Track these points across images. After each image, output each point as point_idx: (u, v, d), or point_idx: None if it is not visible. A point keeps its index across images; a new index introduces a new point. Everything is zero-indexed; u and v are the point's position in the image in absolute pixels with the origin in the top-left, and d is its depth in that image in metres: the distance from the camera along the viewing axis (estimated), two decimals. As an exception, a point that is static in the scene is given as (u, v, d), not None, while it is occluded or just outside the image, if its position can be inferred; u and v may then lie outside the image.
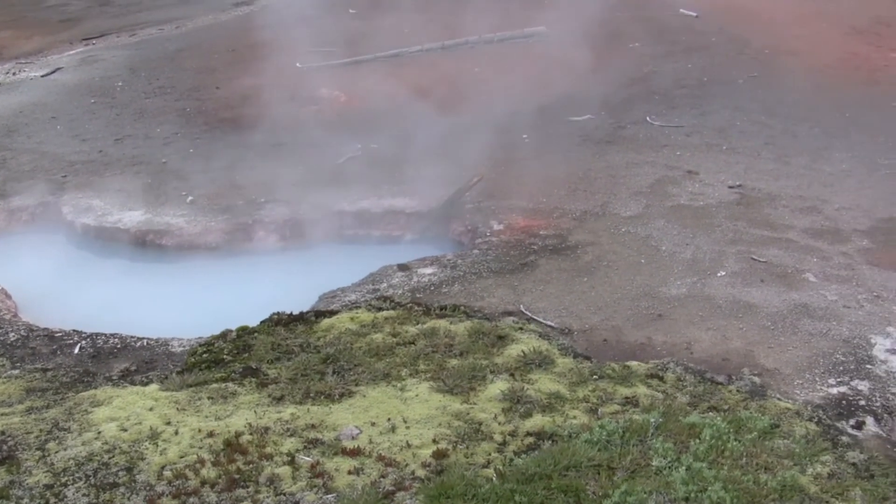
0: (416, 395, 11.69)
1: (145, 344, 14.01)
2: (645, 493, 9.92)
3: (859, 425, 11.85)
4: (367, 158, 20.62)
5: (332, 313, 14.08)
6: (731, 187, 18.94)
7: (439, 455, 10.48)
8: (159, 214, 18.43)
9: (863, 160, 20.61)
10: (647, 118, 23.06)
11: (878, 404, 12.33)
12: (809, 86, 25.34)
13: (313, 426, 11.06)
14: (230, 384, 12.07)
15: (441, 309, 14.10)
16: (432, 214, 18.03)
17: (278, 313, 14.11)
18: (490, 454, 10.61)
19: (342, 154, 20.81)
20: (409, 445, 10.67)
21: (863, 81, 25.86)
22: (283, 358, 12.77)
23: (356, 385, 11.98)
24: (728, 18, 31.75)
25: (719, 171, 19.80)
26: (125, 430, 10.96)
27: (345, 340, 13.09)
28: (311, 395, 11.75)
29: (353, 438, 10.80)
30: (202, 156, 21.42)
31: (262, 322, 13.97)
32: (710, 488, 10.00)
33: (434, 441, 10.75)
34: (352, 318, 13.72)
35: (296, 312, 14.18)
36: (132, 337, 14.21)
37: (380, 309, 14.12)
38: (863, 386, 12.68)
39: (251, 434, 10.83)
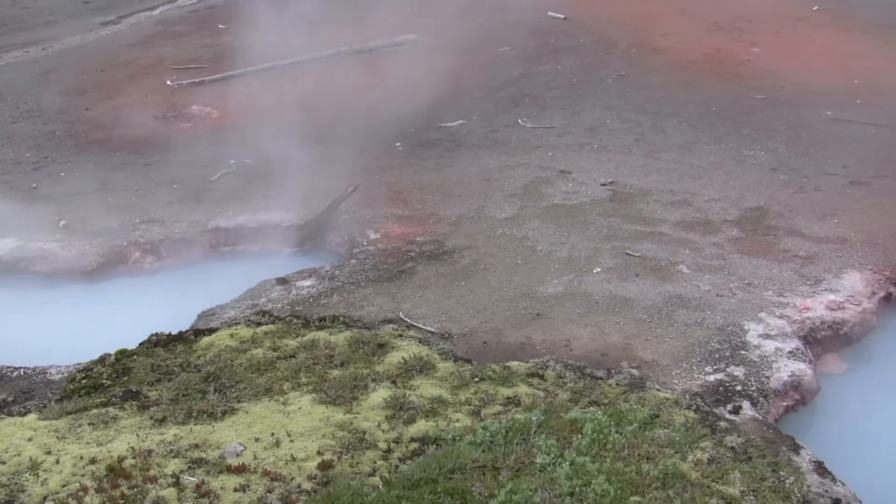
0: (299, 408, 11.70)
1: (22, 373, 13.72)
2: (530, 490, 10.07)
3: (736, 410, 12.15)
4: (241, 173, 20.52)
5: (211, 331, 14.00)
6: (603, 185, 19.26)
7: (325, 466, 10.51)
8: (32, 241, 18.05)
9: (729, 152, 21.14)
10: (519, 121, 23.33)
11: (753, 388, 12.67)
12: (676, 82, 25.88)
13: (197, 446, 11.00)
14: (111, 409, 11.93)
15: (320, 320, 14.12)
16: (309, 226, 18.01)
17: (157, 334, 13.97)
18: (375, 462, 10.68)
19: (216, 170, 20.68)
20: (294, 459, 10.69)
21: (727, 76, 26.50)
22: (164, 379, 12.66)
23: (238, 402, 11.95)
24: (596, 20, 32.25)
25: (591, 170, 20.12)
26: (3, 463, 10.77)
27: (225, 357, 13.03)
28: (194, 414, 11.67)
29: (237, 455, 10.77)
30: (74, 179, 21.05)
31: (140, 344, 13.81)
32: (593, 481, 10.19)
33: (319, 453, 10.78)
34: (231, 335, 13.66)
35: (175, 332, 14.06)
36: (8, 367, 13.91)
37: (259, 324, 14.09)
38: (738, 372, 13.01)
39: (134, 458, 10.72)
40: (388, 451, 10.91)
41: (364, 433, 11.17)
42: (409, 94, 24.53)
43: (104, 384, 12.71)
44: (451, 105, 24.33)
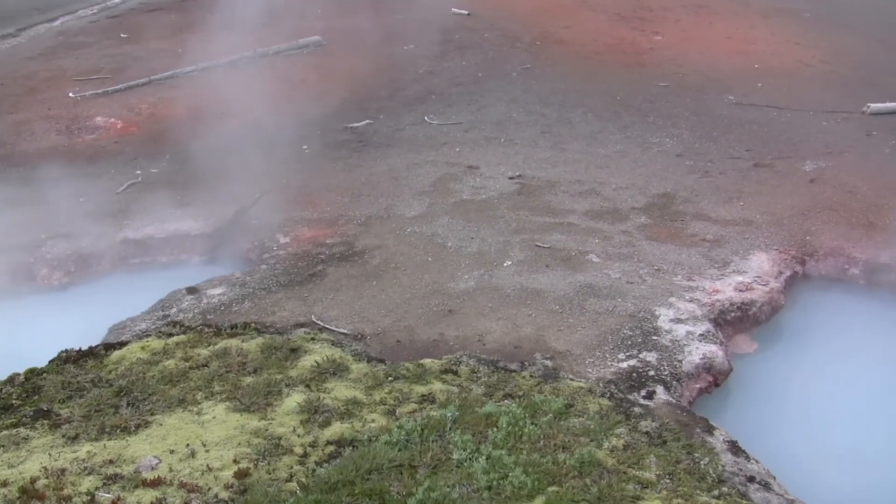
0: (214, 418, 11.62)
1: (-70, 398, 13.49)
2: (448, 486, 10.12)
3: (650, 395, 12.30)
4: (148, 184, 20.27)
5: (122, 344, 13.83)
6: (511, 178, 19.36)
7: (241, 475, 10.46)
8: (-66, 262, 17.72)
9: (635, 140, 21.38)
10: (426, 118, 23.37)
11: (666, 373, 12.85)
12: (580, 73, 26.10)
13: (111, 461, 10.87)
14: (21, 429, 11.73)
15: (232, 328, 14.03)
16: (218, 234, 17.87)
17: (67, 351, 13.76)
18: (292, 467, 10.66)
19: (122, 182, 20.41)
20: (210, 469, 10.61)
21: (630, 65, 26.80)
22: (75, 396, 12.48)
23: (152, 414, 11.83)
24: (499, 15, 32.43)
25: (499, 164, 20.21)
26: (-87, 490, 10.59)
27: (137, 371, 12.89)
28: (107, 430, 11.54)
29: (152, 469, 10.68)
30: (-24, 197, 20.67)
31: (50, 361, 13.58)
32: (510, 474, 10.26)
33: (235, 461, 10.73)
34: (142, 348, 13.51)
35: (85, 348, 13.86)
36: (-86, 393, 13.66)
37: (170, 335, 13.95)
38: (651, 357, 13.18)
39: (47, 478, 10.56)
40: (305, 455, 10.89)
41: (280, 439, 11.14)
42: (315, 97, 24.48)
43: (14, 404, 12.48)
44: (358, 105, 24.32)
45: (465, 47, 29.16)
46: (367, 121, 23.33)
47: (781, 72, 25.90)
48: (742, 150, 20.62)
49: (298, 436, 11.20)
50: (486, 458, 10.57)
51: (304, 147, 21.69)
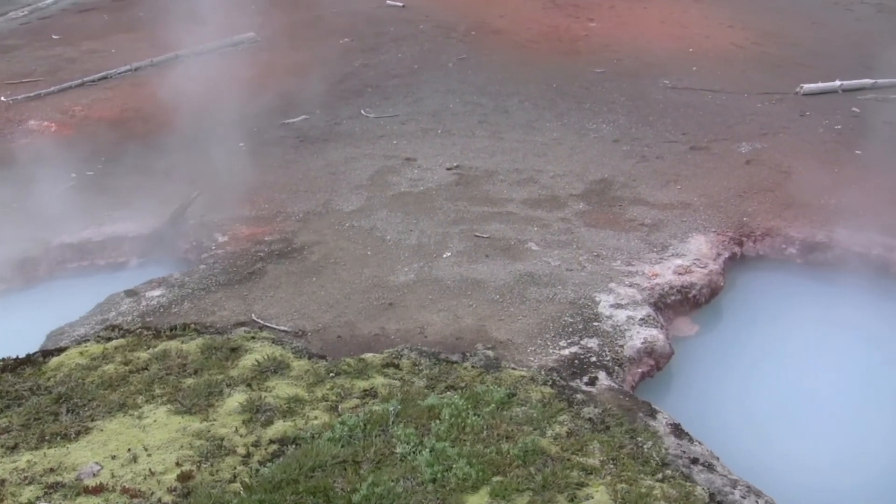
0: (155, 421, 11.52)
1: None
2: (392, 481, 10.12)
3: (592, 381, 12.36)
4: (84, 187, 20.01)
5: (60, 350, 13.64)
6: (449, 169, 19.36)
7: (184, 478, 10.38)
8: None
9: (572, 127, 21.47)
10: (363, 111, 23.30)
11: (608, 358, 12.92)
12: (516, 62, 26.17)
13: (52, 470, 10.73)
14: (-41, 441, 11.60)
15: (171, 330, 13.89)
16: (156, 235, 17.70)
17: (3, 359, 13.56)
18: (235, 468, 10.59)
19: (57, 185, 20.14)
20: (152, 473, 10.52)
21: (566, 52, 26.91)
22: (13, 405, 12.29)
23: (92, 420, 11.70)
24: (434, 5, 32.44)
25: (437, 155, 20.21)
26: None
27: (76, 377, 12.73)
28: (47, 438, 11.39)
29: (94, 475, 10.57)
30: None
31: (-13, 371, 13.44)
32: (454, 466, 10.28)
33: (178, 464, 10.64)
34: (81, 353, 13.35)
35: (22, 356, 13.67)
36: None
37: (109, 339, 13.78)
38: (592, 343, 13.24)
39: (-14, 488, 10.46)
40: (248, 455, 10.83)
41: (222, 440, 11.06)
42: (250, 93, 24.29)
43: (-50, 416, 12.32)
44: (294, 101, 24.17)
45: (401, 39, 29.13)
46: (304, 116, 23.23)
47: (715, 55, 26.11)
48: (678, 134, 20.76)
49: (241, 436, 11.13)
50: (430, 451, 10.57)
51: (241, 144, 21.54)
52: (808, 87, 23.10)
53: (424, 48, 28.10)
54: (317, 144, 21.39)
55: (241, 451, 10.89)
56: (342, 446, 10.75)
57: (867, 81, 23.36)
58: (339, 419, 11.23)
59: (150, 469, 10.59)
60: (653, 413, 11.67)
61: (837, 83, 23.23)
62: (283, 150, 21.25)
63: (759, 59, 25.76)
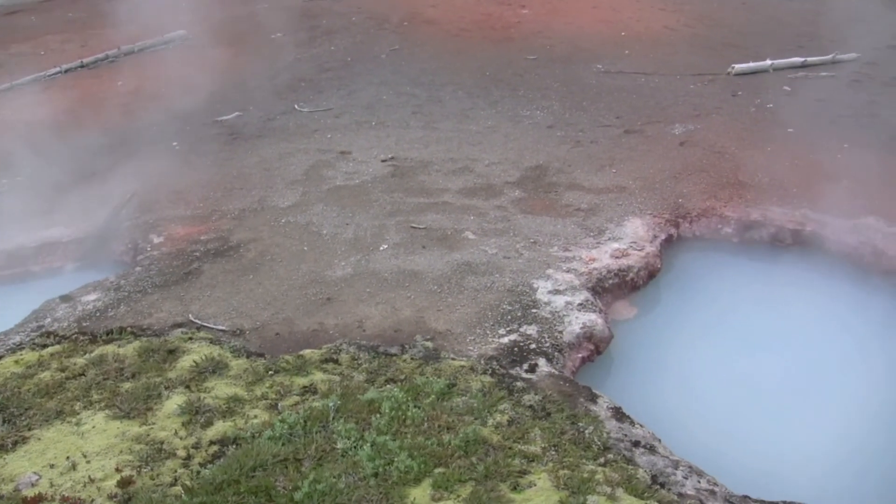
0: (93, 427, 11.40)
1: None
2: (334, 477, 10.08)
3: (532, 368, 12.36)
4: (14, 192, 19.69)
5: (-6, 360, 13.50)
6: (383, 161, 19.31)
7: (124, 483, 10.29)
8: None
9: (506, 115, 21.48)
10: (296, 106, 23.19)
11: (547, 345, 12.91)
12: (449, 51, 26.16)
13: (-11, 481, 10.63)
14: None
15: (108, 334, 13.74)
16: (90, 239, 17.48)
17: (-63, 371, 13.41)
18: (176, 471, 10.52)
19: (-12, 192, 19.92)
20: (92, 480, 10.42)
21: (499, 39, 26.93)
22: (-52, 416, 12.17)
23: (29, 429, 11.55)
24: (366, -3, 32.32)
25: (371, 147, 20.14)
26: None
27: (11, 385, 12.55)
28: (-17, 449, 11.27)
29: (32, 485, 10.45)
30: None
31: (-82, 384, 13.23)
32: (396, 459, 10.26)
33: (117, 470, 10.54)
34: (16, 361, 13.17)
35: (-44, 367, 13.49)
36: None
37: (44, 346, 13.62)
38: (531, 330, 13.24)
39: (-78, 504, 10.30)
40: (188, 457, 10.75)
41: (162, 443, 10.97)
42: (182, 92, 24.08)
43: None
44: (227, 98, 24.03)
45: (333, 32, 29.05)
46: (237, 113, 23.07)
47: (647, 38, 26.25)
48: (612, 118, 20.84)
49: (181, 438, 11.04)
50: (371, 445, 10.55)
51: (174, 144, 21.35)
52: (739, 66, 23.27)
53: (357, 40, 28.02)
54: (251, 141, 21.24)
55: (182, 453, 10.80)
56: (283, 444, 10.70)
57: (797, 60, 23.57)
58: (279, 417, 11.17)
59: (89, 476, 10.48)
60: (593, 398, 11.69)
61: (768, 62, 23.41)
62: (216, 147, 21.08)
63: (690, 41, 25.94)
